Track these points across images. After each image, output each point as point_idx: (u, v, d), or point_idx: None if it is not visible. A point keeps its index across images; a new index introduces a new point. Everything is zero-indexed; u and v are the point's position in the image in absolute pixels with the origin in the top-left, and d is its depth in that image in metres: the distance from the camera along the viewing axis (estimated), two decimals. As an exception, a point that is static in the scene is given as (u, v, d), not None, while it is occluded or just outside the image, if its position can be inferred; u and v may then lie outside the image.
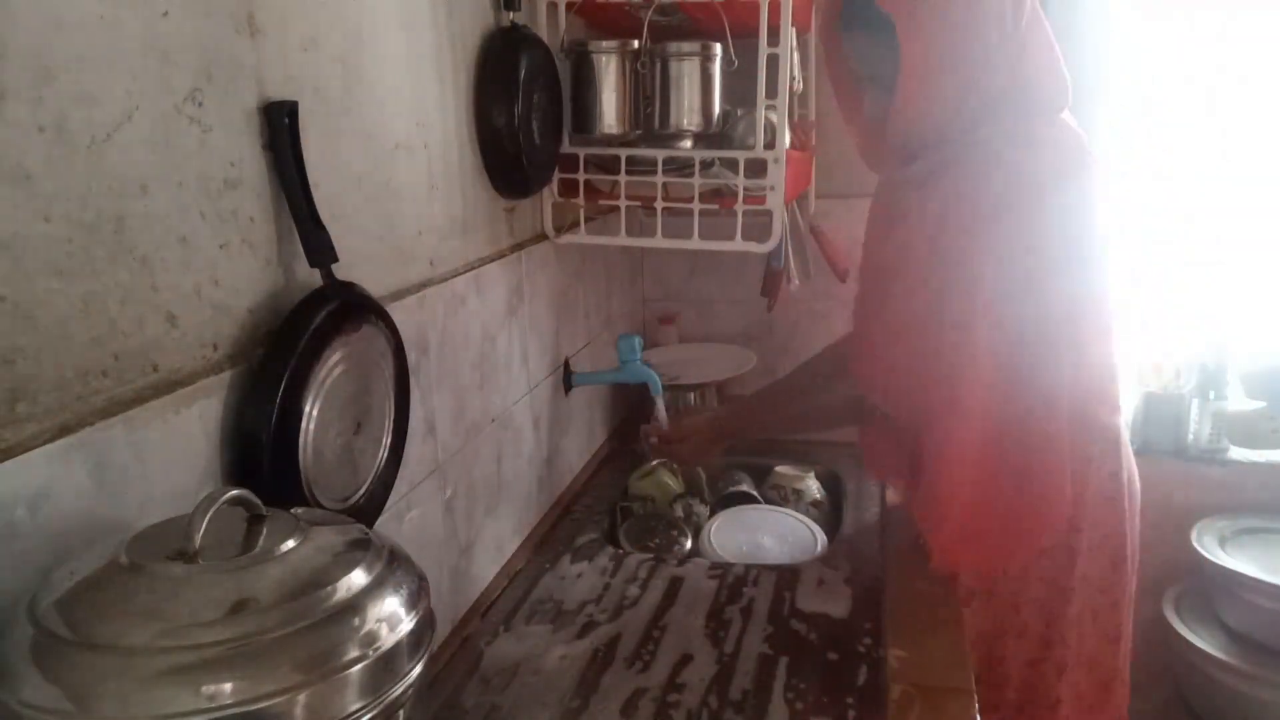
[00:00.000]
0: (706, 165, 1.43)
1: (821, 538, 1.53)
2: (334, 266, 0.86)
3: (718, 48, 1.43)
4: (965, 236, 1.10)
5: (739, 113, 1.52)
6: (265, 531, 0.60)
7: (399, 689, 0.57)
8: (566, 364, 1.64)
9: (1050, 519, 1.17)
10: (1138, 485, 1.33)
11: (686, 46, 1.41)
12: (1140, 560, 1.34)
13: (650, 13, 1.40)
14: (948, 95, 1.12)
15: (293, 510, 0.65)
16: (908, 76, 1.12)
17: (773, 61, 1.33)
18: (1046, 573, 1.26)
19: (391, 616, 0.57)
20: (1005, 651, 1.30)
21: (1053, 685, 1.30)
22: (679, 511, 1.64)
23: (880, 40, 1.14)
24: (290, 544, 0.59)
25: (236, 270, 0.79)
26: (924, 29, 1.10)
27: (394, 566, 0.61)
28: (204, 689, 0.49)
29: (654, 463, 1.70)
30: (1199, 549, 2.02)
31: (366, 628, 0.55)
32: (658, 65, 1.42)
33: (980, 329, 1.09)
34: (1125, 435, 1.30)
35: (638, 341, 1.69)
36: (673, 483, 1.68)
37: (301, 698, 0.51)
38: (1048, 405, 1.13)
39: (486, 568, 1.33)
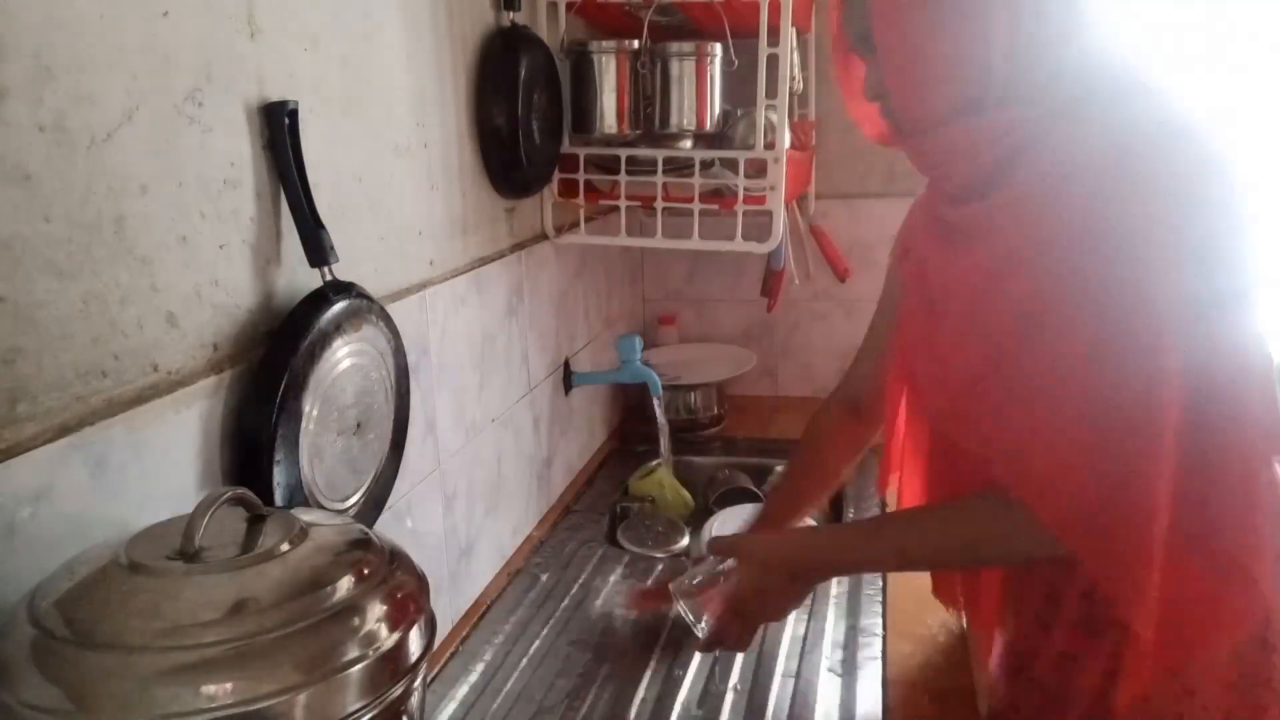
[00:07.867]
0: (706, 165, 1.43)
1: (821, 538, 1.52)
2: (334, 266, 0.85)
3: (718, 48, 1.43)
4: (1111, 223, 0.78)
5: (739, 113, 1.52)
6: (265, 531, 0.60)
7: (399, 689, 0.57)
8: (566, 364, 1.64)
9: (1253, 599, 0.83)
10: None
11: (686, 46, 1.42)
12: None
13: (650, 13, 1.40)
14: (939, 66, 0.86)
15: (293, 510, 0.65)
16: (882, 37, 0.87)
17: (773, 61, 1.33)
18: (1228, 674, 0.85)
19: (392, 616, 0.57)
20: None
21: None
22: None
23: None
24: (290, 544, 0.59)
25: (236, 270, 0.79)
26: None
27: (394, 566, 0.61)
28: (204, 689, 0.49)
29: (654, 463, 1.69)
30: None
31: (366, 628, 0.55)
32: (658, 65, 1.42)
33: (1169, 356, 0.76)
34: None
35: (638, 341, 1.69)
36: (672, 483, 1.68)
37: (301, 698, 0.51)
38: (1243, 457, 0.81)
39: (486, 568, 1.33)
